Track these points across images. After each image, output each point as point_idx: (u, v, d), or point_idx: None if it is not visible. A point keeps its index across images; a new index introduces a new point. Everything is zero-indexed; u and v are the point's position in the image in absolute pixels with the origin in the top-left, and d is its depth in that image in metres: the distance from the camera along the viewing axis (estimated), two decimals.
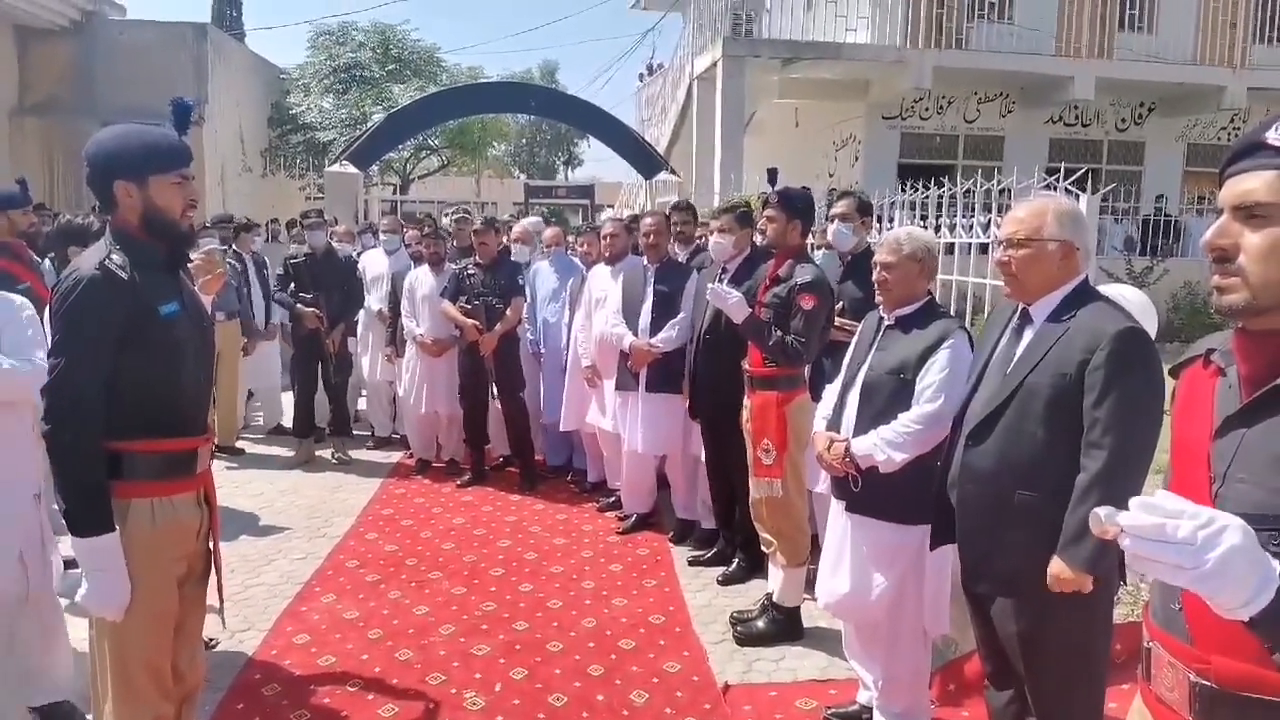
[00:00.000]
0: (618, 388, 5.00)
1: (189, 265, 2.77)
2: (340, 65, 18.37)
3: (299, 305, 6.21)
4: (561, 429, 5.80)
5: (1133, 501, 1.09)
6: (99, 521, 2.04)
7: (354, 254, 7.10)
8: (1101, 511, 1.11)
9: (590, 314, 5.35)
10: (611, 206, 15.47)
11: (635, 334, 4.85)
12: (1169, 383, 1.57)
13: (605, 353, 5.21)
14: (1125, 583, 2.49)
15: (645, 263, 4.98)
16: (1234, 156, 1.32)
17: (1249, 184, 1.27)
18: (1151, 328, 2.87)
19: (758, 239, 4.34)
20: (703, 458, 4.74)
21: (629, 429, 4.95)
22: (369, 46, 18.92)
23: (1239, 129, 14.79)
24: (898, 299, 2.87)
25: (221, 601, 2.47)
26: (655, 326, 4.80)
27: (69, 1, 13.11)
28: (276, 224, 12.11)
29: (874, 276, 2.91)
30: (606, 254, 5.34)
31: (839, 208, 4.10)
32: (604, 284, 5.30)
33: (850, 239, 4.03)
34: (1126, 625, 2.98)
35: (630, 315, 4.91)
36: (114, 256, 2.10)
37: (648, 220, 5.07)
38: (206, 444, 2.32)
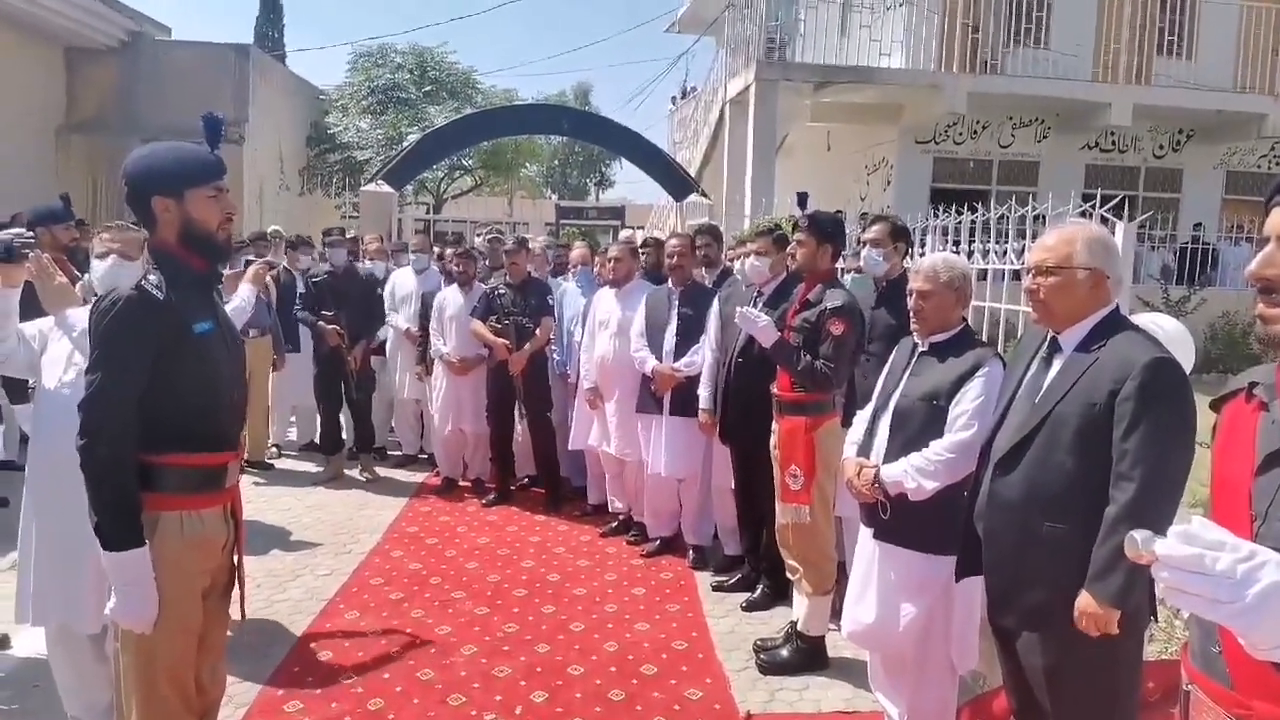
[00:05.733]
0: (639, 410, 4.99)
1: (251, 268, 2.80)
2: (378, 86, 18.64)
3: (320, 323, 6.27)
4: (570, 448, 5.80)
5: (1171, 530, 1.06)
6: (130, 536, 2.06)
7: (386, 269, 7.18)
8: (1139, 536, 1.07)
9: (594, 335, 5.36)
10: (640, 228, 15.48)
11: (660, 357, 4.84)
12: (1210, 416, 1.53)
13: (607, 375, 5.20)
14: (1156, 619, 2.43)
15: (670, 285, 4.98)
16: None
17: None
18: (1187, 359, 2.82)
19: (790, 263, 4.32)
20: (718, 483, 4.72)
21: (652, 453, 4.93)
22: (406, 68, 19.18)
23: None
24: (933, 326, 2.84)
25: (243, 617, 2.48)
26: (680, 350, 4.79)
27: (115, 22, 13.43)
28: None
29: (909, 304, 2.88)
30: (610, 277, 5.36)
31: (871, 233, 4.05)
32: (607, 307, 5.31)
33: (881, 265, 3.98)
34: (1159, 663, 2.90)
35: (654, 338, 4.91)
36: (150, 276, 2.14)
37: (672, 242, 5.08)
38: (236, 459, 2.34)
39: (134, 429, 2.08)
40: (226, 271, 5.05)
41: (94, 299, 2.33)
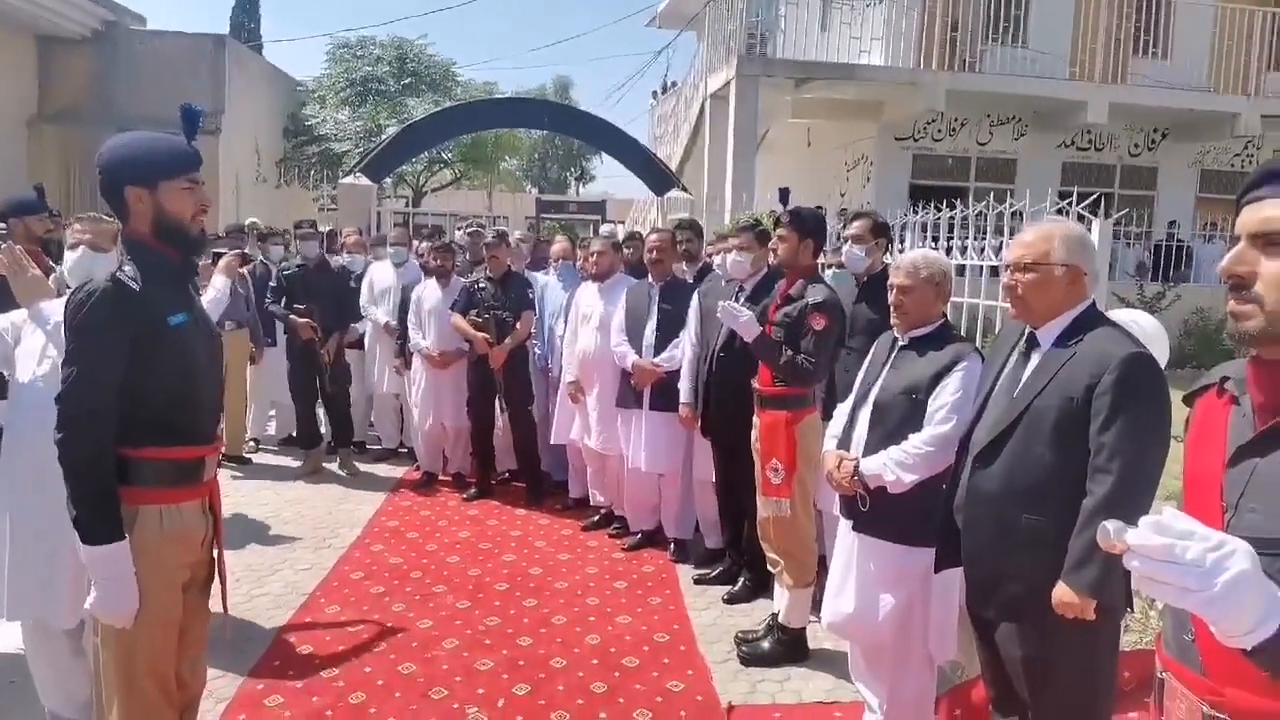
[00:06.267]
0: (619, 405, 5.00)
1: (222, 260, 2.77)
2: (356, 78, 18.52)
3: (292, 316, 6.23)
4: (552, 442, 5.80)
5: (1143, 521, 1.08)
6: (109, 530, 2.05)
7: (365, 262, 7.14)
8: (1110, 526, 1.09)
9: (576, 330, 5.36)
10: (620, 223, 15.48)
11: (640, 352, 4.85)
12: (1183, 410, 1.57)
13: (589, 369, 5.21)
14: (1133, 609, 2.47)
15: (650, 280, 4.98)
16: (1252, 184, 1.32)
17: (1268, 212, 1.27)
18: (1163, 354, 2.87)
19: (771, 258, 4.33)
20: (699, 477, 4.74)
21: (632, 447, 4.94)
22: (386, 60, 19.07)
23: (1252, 156, 14.77)
24: (913, 321, 2.87)
25: (226, 610, 2.47)
26: (660, 345, 4.81)
27: (90, 11, 13.25)
28: (288, 233, 12.27)
29: (890, 299, 2.91)
30: (593, 271, 5.36)
31: (853, 229, 4.07)
32: (590, 301, 5.31)
33: (863, 261, 4.01)
34: (1135, 653, 2.96)
35: (634, 333, 4.92)
36: (125, 268, 2.12)
37: (652, 238, 5.08)
38: (214, 453, 2.33)
39: (112, 421, 2.06)
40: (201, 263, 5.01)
41: (68, 291, 2.31)
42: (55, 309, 2.71)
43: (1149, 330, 2.98)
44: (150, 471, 2.14)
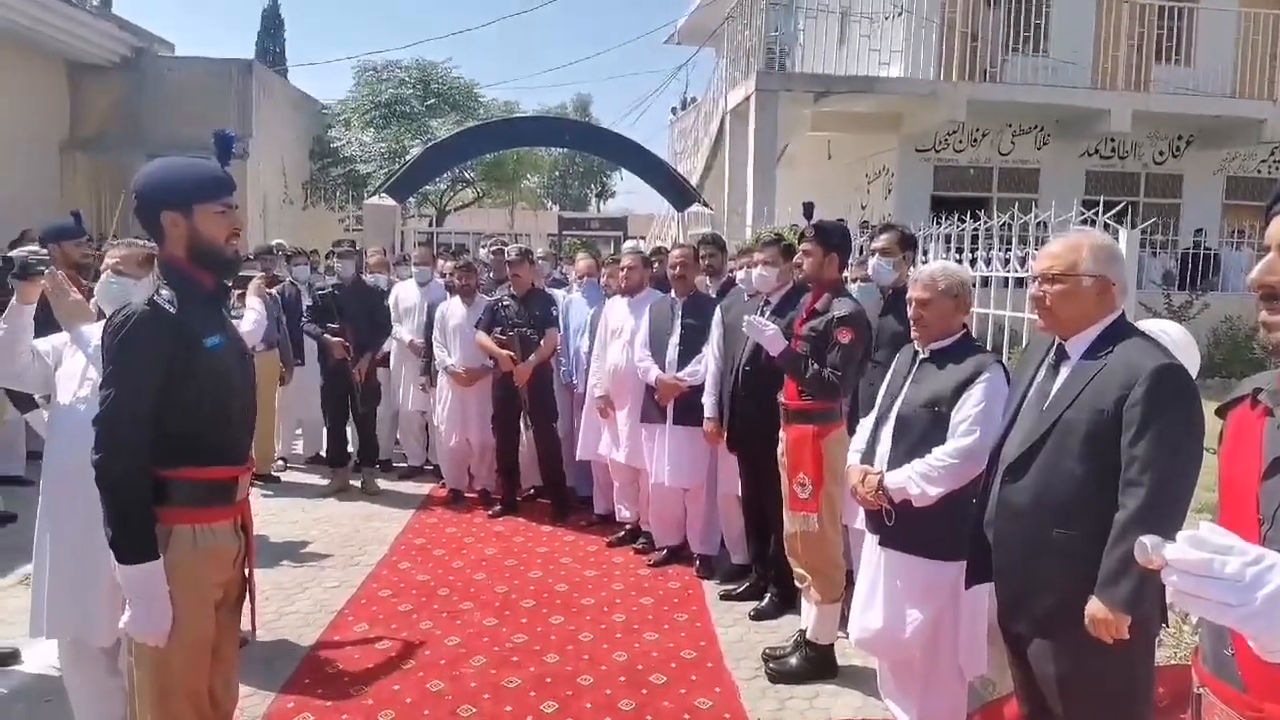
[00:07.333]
0: (643, 420, 5.00)
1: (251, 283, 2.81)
2: (381, 100, 18.73)
3: (326, 335, 6.30)
4: (578, 458, 5.81)
5: (1180, 535, 1.07)
6: (145, 550, 2.07)
7: (389, 281, 7.22)
8: (1149, 541, 1.08)
9: (605, 345, 5.38)
10: (642, 239, 15.53)
11: (663, 367, 4.86)
12: (1216, 422, 1.55)
13: (619, 384, 5.22)
14: (1167, 624, 2.43)
15: (674, 295, 5.00)
16: None
17: None
18: (1193, 364, 2.84)
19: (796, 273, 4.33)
20: (724, 492, 4.72)
21: (656, 462, 4.94)
22: (410, 83, 19.28)
23: None
24: (933, 334, 2.87)
25: (254, 628, 2.49)
26: (683, 360, 4.81)
27: (119, 38, 13.50)
28: (316, 254, 12.41)
29: (909, 312, 2.91)
30: (623, 285, 5.37)
31: (880, 242, 4.06)
32: (620, 316, 5.32)
33: (891, 274, 3.99)
34: (1170, 668, 2.91)
35: (657, 348, 4.92)
36: (162, 291, 2.17)
37: (675, 253, 5.09)
38: (247, 473, 2.36)
39: (147, 443, 2.10)
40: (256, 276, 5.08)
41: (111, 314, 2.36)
42: (96, 332, 2.77)
43: (1178, 340, 2.95)
44: (185, 491, 2.17)
